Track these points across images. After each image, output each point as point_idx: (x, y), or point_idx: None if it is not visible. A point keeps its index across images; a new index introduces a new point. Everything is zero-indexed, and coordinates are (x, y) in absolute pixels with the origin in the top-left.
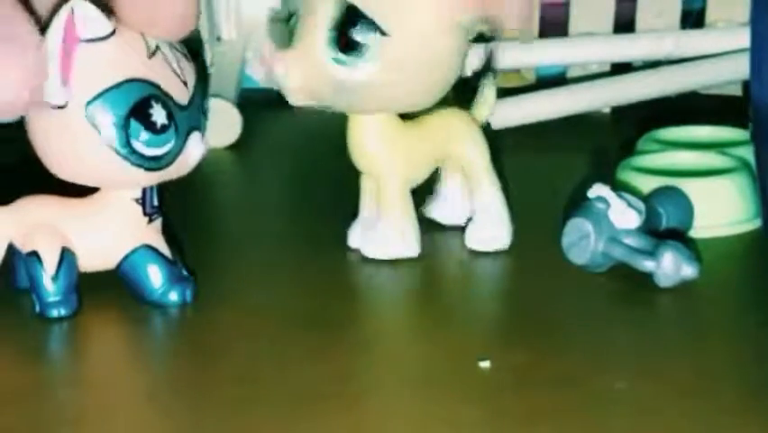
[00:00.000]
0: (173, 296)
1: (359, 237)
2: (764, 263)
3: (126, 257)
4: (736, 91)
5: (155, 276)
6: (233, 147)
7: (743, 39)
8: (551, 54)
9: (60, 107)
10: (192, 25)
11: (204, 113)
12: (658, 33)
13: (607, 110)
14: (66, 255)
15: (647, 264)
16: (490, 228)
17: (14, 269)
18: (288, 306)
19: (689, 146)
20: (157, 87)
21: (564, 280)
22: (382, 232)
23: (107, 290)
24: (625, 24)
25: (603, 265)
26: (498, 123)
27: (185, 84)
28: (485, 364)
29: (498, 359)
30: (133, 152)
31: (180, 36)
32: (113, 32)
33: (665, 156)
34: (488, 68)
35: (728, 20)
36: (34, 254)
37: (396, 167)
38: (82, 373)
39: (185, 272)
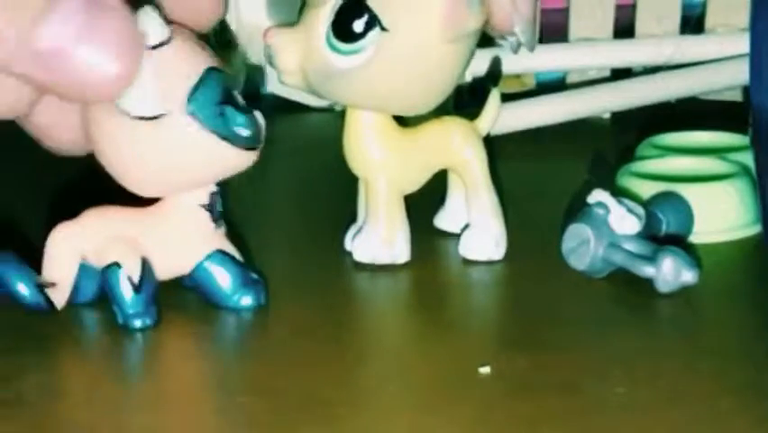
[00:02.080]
0: (247, 300)
1: (351, 241)
2: (764, 269)
3: (199, 264)
4: (736, 96)
5: (228, 281)
6: None
7: (742, 44)
8: (550, 59)
9: (150, 118)
10: (222, 12)
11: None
12: (658, 39)
13: (606, 115)
14: (146, 265)
15: (647, 270)
16: (485, 239)
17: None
18: (287, 311)
19: (688, 152)
20: (222, 70)
21: (564, 286)
22: (367, 237)
23: None
24: (624, 30)
25: (603, 271)
26: (497, 128)
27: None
28: (485, 370)
29: (499, 365)
30: (236, 136)
31: (213, 23)
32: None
33: (665, 162)
34: (493, 76)
35: (728, 25)
36: (115, 265)
37: (386, 171)
38: None
39: (254, 276)
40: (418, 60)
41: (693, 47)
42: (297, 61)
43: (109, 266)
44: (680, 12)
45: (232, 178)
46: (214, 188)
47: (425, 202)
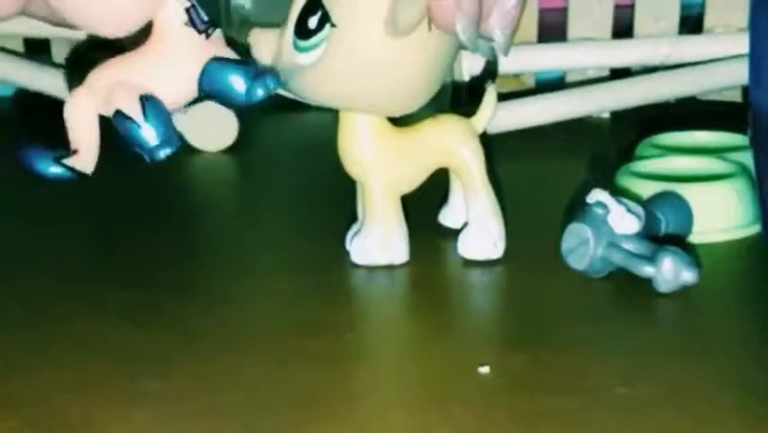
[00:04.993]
0: (260, 92)
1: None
2: (764, 268)
3: (201, 78)
4: (735, 96)
5: (236, 82)
6: (228, 150)
7: (741, 44)
8: (549, 59)
9: None
10: None
11: None
12: (656, 38)
13: (606, 115)
14: (149, 101)
15: (647, 270)
16: (483, 239)
17: None
18: (285, 311)
19: (688, 151)
20: None
21: (563, 286)
22: (364, 239)
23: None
24: (623, 29)
25: (602, 271)
26: (496, 127)
27: None
28: (484, 370)
29: (498, 364)
30: None
31: None
32: None
33: (664, 161)
34: (489, 74)
35: (727, 25)
36: (118, 113)
37: (381, 172)
38: None
39: (259, 66)
40: (368, 56)
41: (692, 47)
42: (270, 59)
43: (114, 115)
44: (678, 12)
45: (233, 177)
46: (186, 3)
47: (426, 200)
